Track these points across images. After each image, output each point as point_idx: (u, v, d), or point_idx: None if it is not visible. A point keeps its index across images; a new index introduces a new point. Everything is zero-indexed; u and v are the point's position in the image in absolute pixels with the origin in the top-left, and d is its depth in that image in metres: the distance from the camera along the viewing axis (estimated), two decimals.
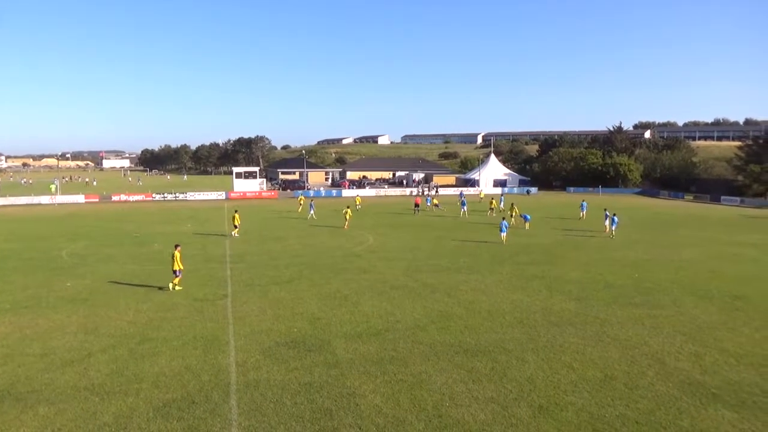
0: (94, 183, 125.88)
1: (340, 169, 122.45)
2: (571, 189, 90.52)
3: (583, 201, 51.74)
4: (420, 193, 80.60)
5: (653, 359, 14.61)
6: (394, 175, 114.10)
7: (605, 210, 40.47)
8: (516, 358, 14.63)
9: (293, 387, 12.79)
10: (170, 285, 22.19)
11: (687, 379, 13.27)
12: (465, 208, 53.01)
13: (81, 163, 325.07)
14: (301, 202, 57.11)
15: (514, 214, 45.04)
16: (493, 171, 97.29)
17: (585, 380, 13.21)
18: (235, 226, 38.01)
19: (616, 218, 38.30)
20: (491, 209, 53.36)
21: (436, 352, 15.13)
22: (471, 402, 12.02)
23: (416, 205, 57.09)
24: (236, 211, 39.63)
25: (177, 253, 22.01)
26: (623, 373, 13.68)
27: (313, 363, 14.28)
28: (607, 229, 38.69)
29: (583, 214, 48.75)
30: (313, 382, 13.04)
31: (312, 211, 49.64)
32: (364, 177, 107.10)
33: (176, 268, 21.97)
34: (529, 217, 42.81)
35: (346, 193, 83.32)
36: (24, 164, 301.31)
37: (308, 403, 11.98)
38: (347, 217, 43.25)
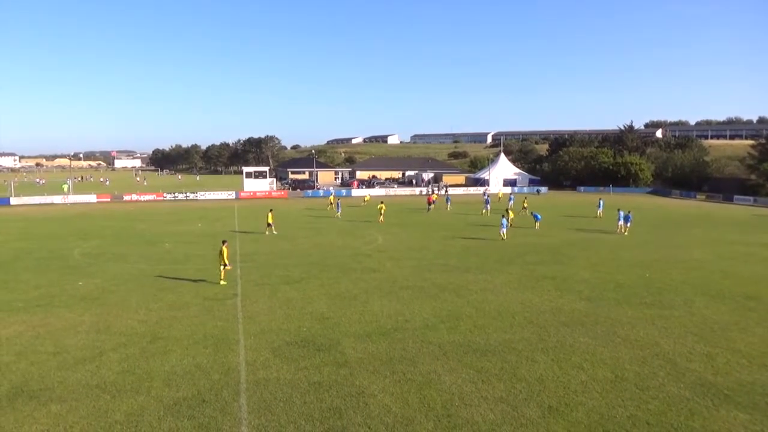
0: (107, 182, 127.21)
1: (350, 169, 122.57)
2: (582, 188, 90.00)
3: (600, 199, 52.24)
4: (429, 192, 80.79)
5: (664, 360, 14.50)
6: (403, 174, 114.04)
7: (618, 210, 40.39)
8: (526, 358, 14.58)
9: (303, 386, 12.83)
10: (221, 279, 23.34)
11: (699, 380, 13.16)
12: (488, 206, 53.96)
13: (93, 163, 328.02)
14: (332, 200, 58.84)
15: (512, 216, 44.58)
16: (502, 170, 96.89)
17: (595, 381, 13.15)
18: (269, 225, 38.60)
19: (630, 215, 38.67)
20: (524, 208, 51.59)
21: (446, 351, 15.11)
22: (480, 402, 12.00)
23: (429, 203, 58.39)
24: (271, 210, 40.53)
25: (225, 249, 23.24)
26: (634, 373, 13.59)
27: (322, 362, 14.33)
28: (620, 228, 38.81)
29: (600, 212, 49.03)
30: (322, 381, 13.08)
31: (339, 210, 51.44)
32: (373, 176, 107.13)
33: (225, 262, 23.14)
34: (539, 216, 42.62)
35: (355, 192, 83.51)
36: (37, 164, 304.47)
37: (317, 402, 12.02)
38: (382, 212, 46.77)
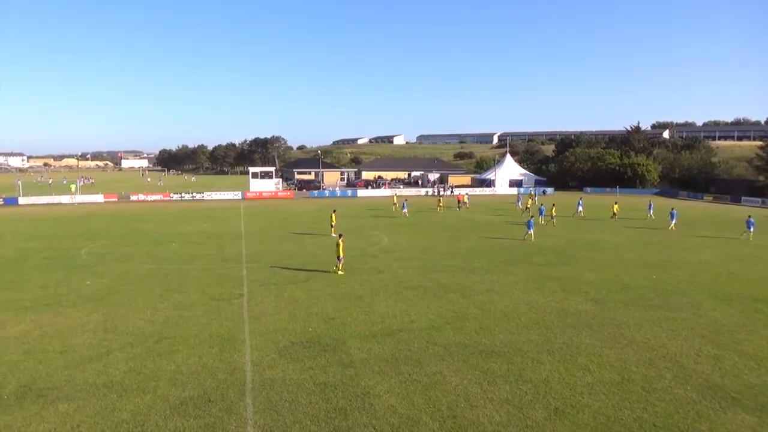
0: (91, 181, 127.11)
1: (356, 170, 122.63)
2: (588, 189, 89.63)
3: (650, 201, 53.28)
4: (434, 193, 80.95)
5: (671, 362, 14.43)
6: (409, 175, 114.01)
7: (671, 210, 42.81)
8: (531, 360, 14.55)
9: (308, 386, 12.86)
10: (335, 269, 25.56)
11: (706, 383, 13.09)
12: (537, 198, 53.74)
13: (100, 163, 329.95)
14: (395, 201, 60.22)
15: (531, 212, 46.01)
16: (509, 171, 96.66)
17: (601, 382, 13.10)
18: (332, 226, 38.52)
19: (752, 220, 38.77)
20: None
21: (451, 352, 15.10)
22: (486, 403, 11.98)
23: (458, 202, 61.37)
24: (334, 211, 40.31)
25: (341, 242, 25.37)
26: (641, 375, 13.53)
27: (328, 362, 14.35)
28: (671, 227, 41.37)
29: (650, 214, 49.35)
30: (328, 382, 13.10)
31: (405, 210, 51.97)
32: (379, 177, 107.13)
33: (340, 254, 25.21)
34: (543, 211, 44.92)
35: (362, 192, 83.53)
36: (45, 164, 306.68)
37: (323, 402, 12.04)
38: (440, 203, 57.64)
